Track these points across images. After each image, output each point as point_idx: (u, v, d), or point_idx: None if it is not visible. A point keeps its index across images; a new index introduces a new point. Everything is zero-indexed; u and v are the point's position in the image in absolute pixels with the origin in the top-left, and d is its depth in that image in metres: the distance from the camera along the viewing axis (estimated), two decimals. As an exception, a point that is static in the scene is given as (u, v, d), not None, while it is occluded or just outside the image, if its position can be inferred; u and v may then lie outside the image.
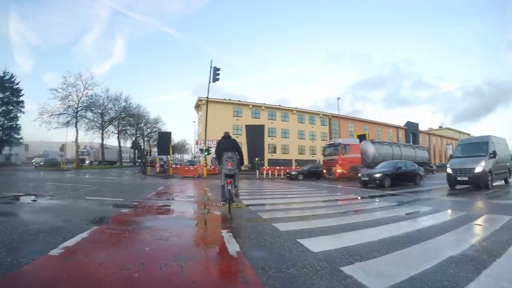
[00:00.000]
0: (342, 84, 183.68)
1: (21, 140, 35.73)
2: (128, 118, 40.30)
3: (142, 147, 44.53)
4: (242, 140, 32.43)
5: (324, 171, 19.81)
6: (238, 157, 5.41)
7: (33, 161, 30.25)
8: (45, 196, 7.22)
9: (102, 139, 37.72)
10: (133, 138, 44.42)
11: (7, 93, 32.31)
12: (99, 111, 35.81)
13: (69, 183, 12.21)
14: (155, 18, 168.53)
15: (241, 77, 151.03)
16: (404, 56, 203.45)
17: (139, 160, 27.75)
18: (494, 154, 9.91)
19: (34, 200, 6.43)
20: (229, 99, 36.38)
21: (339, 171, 18.38)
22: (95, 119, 36.07)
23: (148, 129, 47.52)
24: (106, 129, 38.03)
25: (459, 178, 9.95)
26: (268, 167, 25.63)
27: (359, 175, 12.93)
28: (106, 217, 4.62)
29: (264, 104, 38.14)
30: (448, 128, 74.92)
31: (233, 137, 6.12)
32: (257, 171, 23.16)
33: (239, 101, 37.34)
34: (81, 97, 31.64)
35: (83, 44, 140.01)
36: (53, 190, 8.70)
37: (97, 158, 41.73)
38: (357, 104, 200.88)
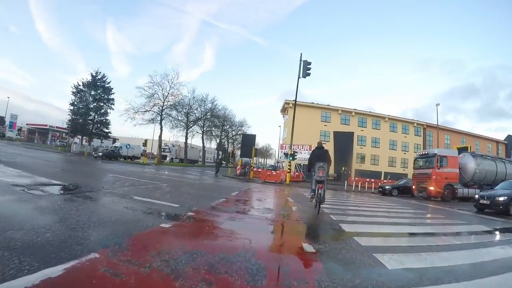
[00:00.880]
0: (432, 93, 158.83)
1: (109, 134, 38.57)
2: (214, 119, 40.28)
3: (226, 149, 45.38)
4: (329, 147, 29.99)
5: (413, 186, 16.72)
6: (328, 167, 6.44)
7: (93, 152, 30.14)
8: (90, 189, 6.23)
9: (186, 138, 38.27)
10: (218, 140, 45.34)
11: (99, 91, 35.54)
12: (184, 110, 35.92)
13: (135, 177, 11.01)
14: (243, 27, 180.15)
15: (325, 85, 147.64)
16: (501, 61, 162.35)
17: (219, 160, 28.18)
18: None
19: (63, 192, 5.45)
20: (317, 103, 34.58)
21: (431, 188, 15.02)
22: (180, 118, 36.15)
23: (233, 131, 47.34)
24: (190, 129, 38.24)
25: None
26: (357, 178, 23.19)
27: (476, 196, 10.54)
28: (126, 236, 2.99)
29: (355, 109, 35.03)
30: None
31: (319, 142, 7.06)
32: (346, 182, 20.70)
33: (328, 105, 34.98)
34: (166, 96, 31.70)
35: (174, 52, 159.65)
36: (108, 183, 7.99)
37: (178, 156, 43.19)
38: (448, 115, 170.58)
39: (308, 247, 3.30)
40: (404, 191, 17.55)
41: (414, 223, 6.43)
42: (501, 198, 9.34)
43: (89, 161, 20.97)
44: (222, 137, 45.82)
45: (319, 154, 6.53)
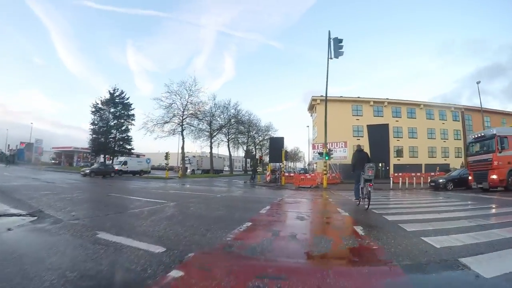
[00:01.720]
0: (457, 76, 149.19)
1: (132, 150, 37.53)
2: (238, 126, 39.12)
3: (255, 155, 43.83)
4: (364, 142, 27.64)
5: (470, 177, 14.06)
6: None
7: (81, 170, 26.04)
8: (49, 218, 4.62)
9: (211, 148, 37.02)
10: (245, 147, 44.20)
11: (118, 108, 35.23)
12: (206, 119, 34.40)
13: (141, 196, 9.02)
14: (258, 33, 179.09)
15: (348, 82, 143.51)
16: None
17: (251, 169, 26.88)
18: None
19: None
20: (347, 97, 32.60)
21: (493, 177, 12.29)
22: (202, 127, 34.73)
23: (260, 137, 45.98)
24: (215, 137, 36.77)
25: None
26: (401, 174, 20.88)
27: None
28: None
29: (387, 99, 32.53)
30: None
31: (355, 140, 7.12)
32: (391, 179, 18.42)
33: (358, 97, 32.72)
34: (186, 105, 30.24)
35: (194, 66, 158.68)
36: (90, 209, 6.24)
37: (200, 167, 41.67)
38: (476, 98, 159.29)
39: None
40: (459, 184, 15.17)
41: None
42: None
43: (99, 180, 19.38)
44: (249, 143, 44.52)
45: (360, 156, 7.53)
